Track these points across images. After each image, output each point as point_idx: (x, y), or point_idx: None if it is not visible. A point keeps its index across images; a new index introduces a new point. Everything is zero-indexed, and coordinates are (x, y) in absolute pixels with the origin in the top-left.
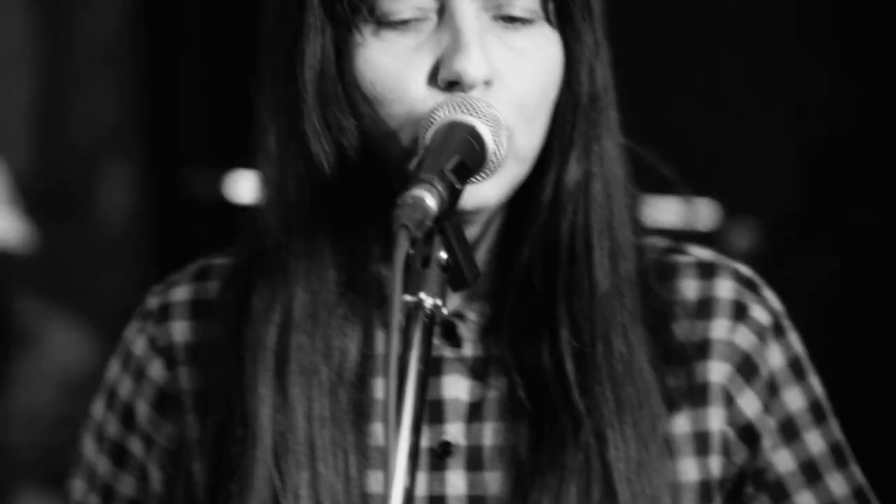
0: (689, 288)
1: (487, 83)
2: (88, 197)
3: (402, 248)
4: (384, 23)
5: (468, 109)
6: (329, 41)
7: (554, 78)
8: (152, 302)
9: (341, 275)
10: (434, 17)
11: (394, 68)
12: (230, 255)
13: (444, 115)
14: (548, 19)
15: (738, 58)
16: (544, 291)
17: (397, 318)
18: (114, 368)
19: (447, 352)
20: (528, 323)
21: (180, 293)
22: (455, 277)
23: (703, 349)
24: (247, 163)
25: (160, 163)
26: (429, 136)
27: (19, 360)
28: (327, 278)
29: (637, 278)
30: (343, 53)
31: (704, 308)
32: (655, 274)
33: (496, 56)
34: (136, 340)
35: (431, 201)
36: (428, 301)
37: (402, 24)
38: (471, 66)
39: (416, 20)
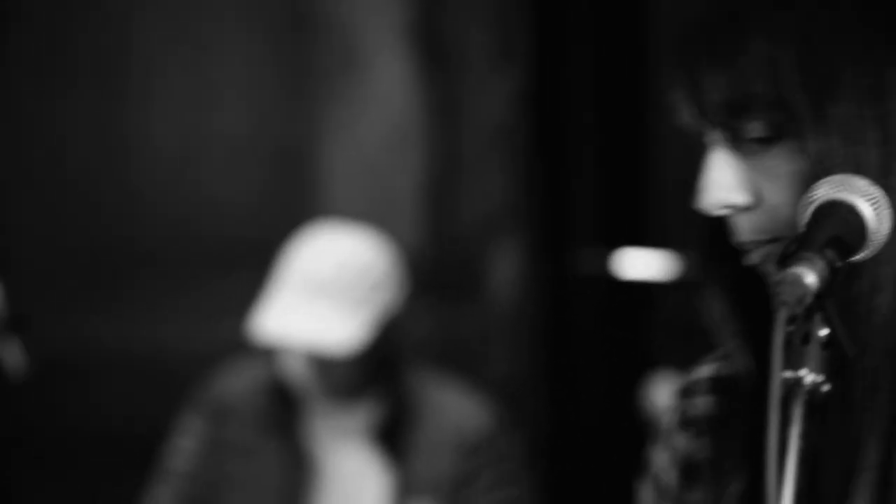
0: None
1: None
2: (479, 275)
3: (782, 326)
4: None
5: (847, 187)
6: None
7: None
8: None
9: None
10: None
11: None
12: None
13: (822, 194)
14: (783, 135)
15: None
16: None
17: (778, 394)
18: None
19: None
20: None
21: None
22: (835, 355)
23: None
24: (636, 241)
25: (549, 241)
26: (808, 214)
27: (418, 430)
28: None
29: None
30: None
31: None
32: None
33: (749, 179)
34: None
35: (811, 278)
36: (808, 377)
37: None
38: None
39: None
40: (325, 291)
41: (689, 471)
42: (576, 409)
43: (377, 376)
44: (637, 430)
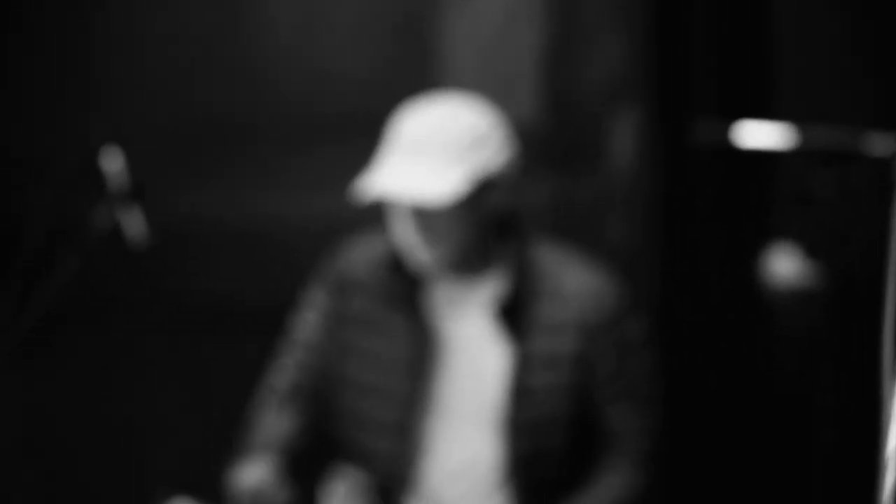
0: None
1: None
2: (598, 146)
3: None
4: None
5: None
6: None
7: None
8: None
9: None
10: None
11: None
12: None
13: None
14: None
15: None
16: None
17: None
18: None
19: None
20: None
21: None
22: None
23: None
24: (757, 111)
25: (669, 111)
26: None
27: (540, 306)
28: None
29: None
30: None
31: None
32: None
33: None
34: None
35: None
36: None
37: None
38: None
39: None
40: (424, 149)
41: None
42: (693, 281)
43: (495, 249)
44: (755, 302)
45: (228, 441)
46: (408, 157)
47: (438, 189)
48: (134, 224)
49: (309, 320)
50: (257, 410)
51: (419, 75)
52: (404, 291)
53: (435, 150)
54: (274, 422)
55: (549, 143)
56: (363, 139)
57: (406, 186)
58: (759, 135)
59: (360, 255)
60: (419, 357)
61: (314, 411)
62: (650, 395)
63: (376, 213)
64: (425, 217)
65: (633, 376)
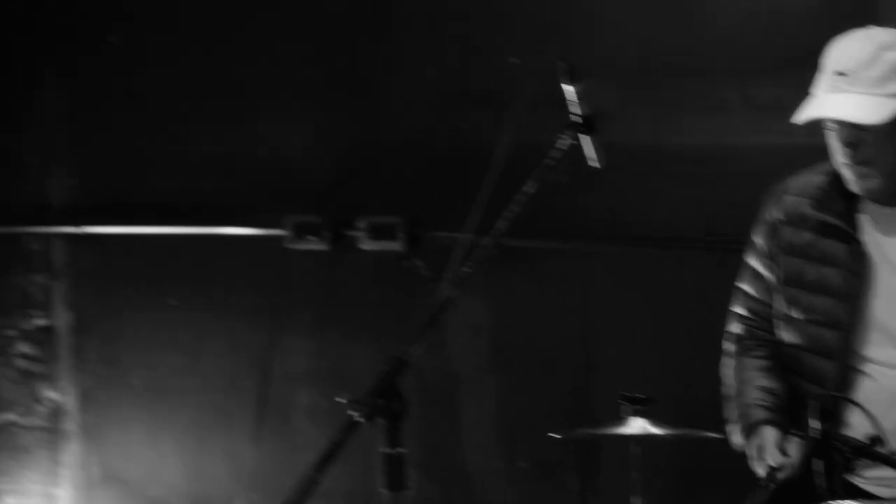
0: None
1: None
2: None
3: None
4: None
5: None
6: None
7: None
8: None
9: None
10: None
11: None
12: None
13: None
14: None
15: None
16: None
17: None
18: None
19: None
20: None
21: None
22: None
23: None
24: None
25: None
26: None
27: None
28: None
29: None
30: None
31: None
32: None
33: None
34: None
35: None
36: None
37: None
38: None
39: None
40: (856, 75)
41: None
42: None
43: None
44: None
45: (685, 362)
46: (841, 83)
47: (869, 111)
48: (590, 149)
49: (756, 265)
50: (726, 359)
51: (857, 10)
52: (841, 220)
53: (865, 77)
54: (762, 382)
55: None
56: (809, 72)
57: (838, 109)
58: None
59: (798, 191)
60: (857, 281)
61: (775, 353)
62: None
63: (821, 148)
64: (859, 141)
65: None
